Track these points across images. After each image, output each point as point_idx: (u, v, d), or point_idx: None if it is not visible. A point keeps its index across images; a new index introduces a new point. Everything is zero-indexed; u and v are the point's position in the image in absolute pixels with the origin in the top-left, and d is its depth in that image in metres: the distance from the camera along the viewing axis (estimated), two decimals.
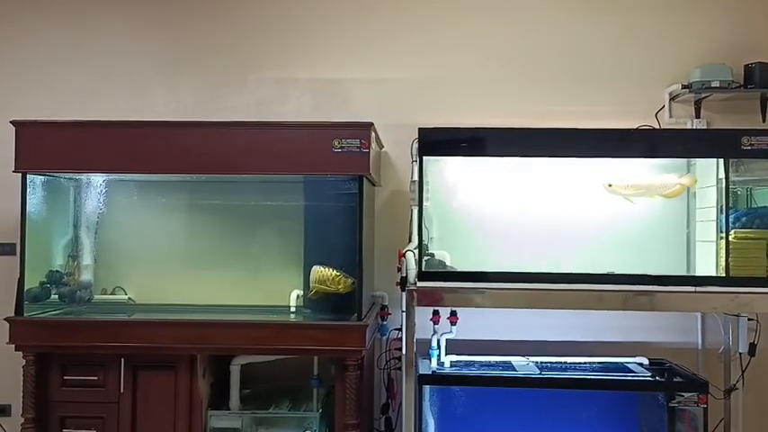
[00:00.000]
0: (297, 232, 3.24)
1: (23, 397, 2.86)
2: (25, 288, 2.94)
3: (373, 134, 2.96)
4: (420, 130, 2.87)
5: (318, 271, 3.03)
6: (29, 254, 2.94)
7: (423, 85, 3.49)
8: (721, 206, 2.84)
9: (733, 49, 3.39)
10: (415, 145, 2.92)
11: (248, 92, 3.55)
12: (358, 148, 2.85)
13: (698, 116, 3.42)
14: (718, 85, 3.24)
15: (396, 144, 3.40)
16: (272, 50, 3.56)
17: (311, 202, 3.21)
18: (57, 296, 3.17)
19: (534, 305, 2.80)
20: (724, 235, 2.81)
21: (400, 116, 3.42)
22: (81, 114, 3.36)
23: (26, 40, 3.60)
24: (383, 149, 3.45)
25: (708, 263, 2.93)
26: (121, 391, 2.88)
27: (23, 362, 2.87)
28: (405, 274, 2.80)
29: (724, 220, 2.81)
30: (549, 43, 3.49)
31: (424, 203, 2.88)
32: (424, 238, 2.88)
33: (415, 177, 2.90)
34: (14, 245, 3.38)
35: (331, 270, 3.01)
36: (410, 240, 2.97)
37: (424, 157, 2.87)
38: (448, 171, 3.13)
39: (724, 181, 2.83)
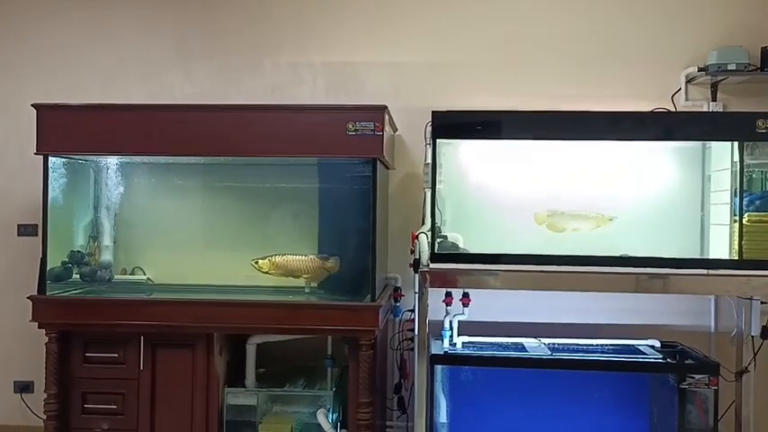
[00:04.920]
0: (311, 214, 3.28)
1: (46, 373, 2.94)
2: (47, 268, 3.01)
3: (387, 117, 2.98)
4: (433, 113, 2.88)
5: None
6: (51, 234, 3.01)
7: (436, 68, 3.50)
8: (735, 189, 2.82)
9: (750, 31, 3.35)
10: (429, 128, 2.93)
11: (263, 75, 3.58)
12: (372, 130, 2.87)
13: (714, 99, 3.40)
14: (734, 68, 3.22)
15: (410, 127, 3.41)
16: (287, 34, 3.58)
17: (325, 184, 3.24)
18: (78, 276, 3.24)
19: (546, 287, 2.82)
20: (738, 218, 2.80)
21: (414, 99, 3.44)
22: (98, 98, 3.42)
23: (43, 24, 3.65)
24: (397, 133, 3.47)
25: (721, 246, 2.93)
26: (141, 368, 2.95)
27: (45, 340, 2.94)
28: (418, 256, 2.82)
29: (738, 204, 2.80)
30: (564, 26, 3.47)
31: (438, 186, 2.90)
32: (437, 220, 2.90)
33: (429, 160, 2.91)
34: (36, 226, 3.47)
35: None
36: (423, 223, 3.00)
37: (438, 140, 2.88)
38: (461, 154, 3.14)
39: (738, 164, 2.81)
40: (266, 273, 3.16)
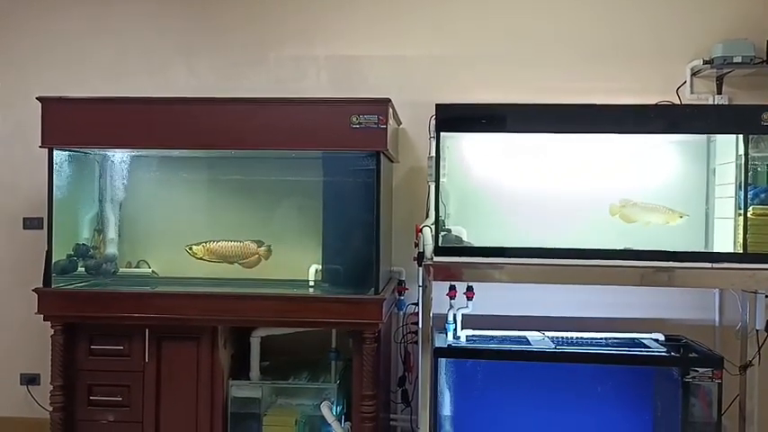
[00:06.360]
0: (315, 208, 3.27)
1: (52, 366, 2.96)
2: (53, 261, 3.02)
3: (391, 110, 2.98)
4: (437, 106, 2.88)
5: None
6: (56, 227, 3.02)
7: (440, 61, 3.50)
8: (740, 183, 2.82)
9: (756, 24, 3.34)
10: (433, 121, 2.93)
11: (267, 69, 3.58)
12: (376, 123, 2.87)
13: (719, 92, 3.38)
14: (740, 61, 3.20)
15: (413, 121, 3.41)
16: (291, 28, 3.58)
17: (330, 177, 3.23)
18: (83, 269, 3.26)
19: (550, 280, 2.81)
20: (742, 211, 2.79)
21: (418, 93, 3.42)
22: (102, 92, 3.42)
23: (47, 18, 3.65)
24: (401, 126, 3.47)
25: (726, 239, 2.93)
26: (146, 360, 2.97)
27: (50, 333, 2.96)
28: (422, 250, 2.83)
29: (743, 197, 2.80)
30: (568, 19, 3.46)
31: (442, 179, 2.90)
32: (441, 213, 2.91)
33: (433, 153, 2.91)
34: (42, 219, 3.48)
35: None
36: (427, 216, 3.00)
37: (442, 134, 2.88)
38: (465, 147, 3.14)
39: (743, 157, 2.81)
40: (200, 259, 3.20)
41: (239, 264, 3.22)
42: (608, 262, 2.76)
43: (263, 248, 3.22)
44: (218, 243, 3.19)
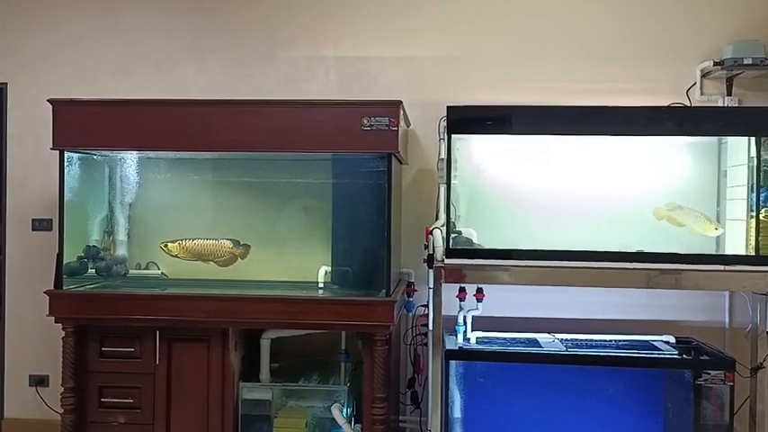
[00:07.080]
0: (325, 209, 3.27)
1: (63, 367, 2.96)
2: (63, 262, 3.02)
3: (402, 112, 2.97)
4: (449, 108, 2.88)
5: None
6: (66, 229, 3.02)
7: (449, 62, 3.49)
8: (752, 185, 2.81)
9: (766, 25, 3.33)
10: (443, 123, 2.93)
11: (277, 70, 3.58)
12: (387, 125, 2.87)
13: (729, 93, 3.38)
14: (750, 63, 3.20)
15: (422, 122, 3.41)
16: (300, 28, 3.57)
17: (340, 179, 3.23)
18: (93, 270, 3.26)
19: (560, 283, 2.81)
20: (754, 214, 2.79)
21: (427, 94, 3.42)
22: (112, 92, 3.42)
23: (53, 17, 3.65)
24: (410, 127, 3.47)
25: (738, 242, 2.92)
26: (157, 362, 2.97)
27: (60, 335, 2.96)
28: (432, 252, 2.82)
29: (755, 199, 2.79)
30: (578, 19, 3.46)
31: (452, 181, 2.90)
32: (452, 215, 2.90)
33: (443, 155, 2.91)
34: (51, 220, 3.49)
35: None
36: (437, 218, 3.00)
37: (452, 135, 2.88)
38: (475, 149, 3.13)
39: (755, 159, 2.80)
40: (175, 256, 3.21)
41: (214, 262, 3.22)
42: (616, 264, 2.75)
43: (240, 248, 3.22)
44: (194, 241, 3.19)
